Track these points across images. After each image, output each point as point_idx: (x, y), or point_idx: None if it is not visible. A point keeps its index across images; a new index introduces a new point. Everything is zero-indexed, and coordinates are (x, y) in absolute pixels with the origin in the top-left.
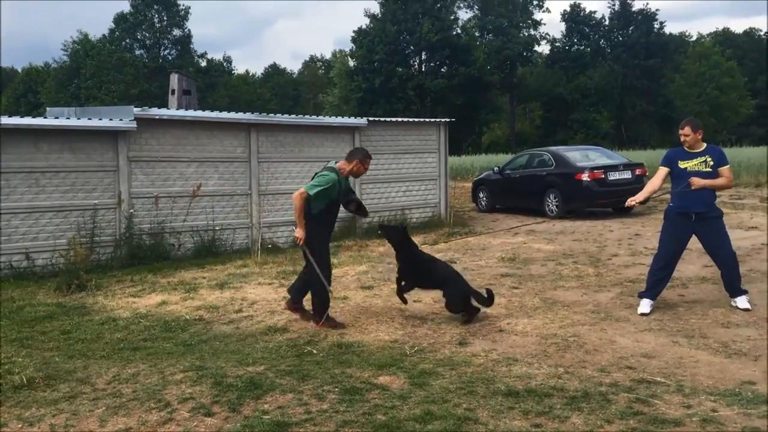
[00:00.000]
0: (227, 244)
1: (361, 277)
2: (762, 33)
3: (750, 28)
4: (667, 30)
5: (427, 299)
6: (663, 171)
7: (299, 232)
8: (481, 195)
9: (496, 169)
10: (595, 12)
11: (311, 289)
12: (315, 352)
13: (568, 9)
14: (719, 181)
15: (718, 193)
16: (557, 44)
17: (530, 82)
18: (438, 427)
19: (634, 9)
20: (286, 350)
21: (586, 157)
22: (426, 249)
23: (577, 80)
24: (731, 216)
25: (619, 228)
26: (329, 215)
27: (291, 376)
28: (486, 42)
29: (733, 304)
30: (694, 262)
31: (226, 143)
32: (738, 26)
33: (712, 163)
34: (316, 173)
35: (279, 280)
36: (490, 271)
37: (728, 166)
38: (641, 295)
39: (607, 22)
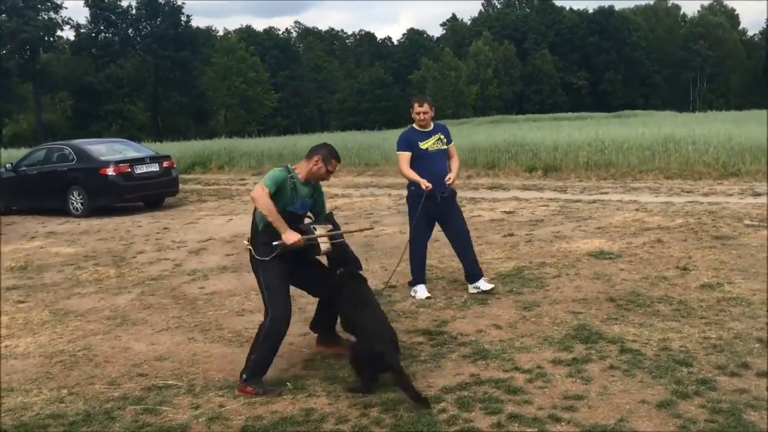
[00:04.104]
0: None
1: None
2: (280, 32)
3: (270, 27)
4: (194, 24)
5: None
6: (406, 155)
7: (289, 236)
8: None
9: (9, 166)
10: (121, 0)
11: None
12: None
13: None
14: (457, 163)
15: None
16: (83, 31)
17: (56, 69)
18: None
19: (160, 0)
20: None
21: (112, 150)
22: None
23: (108, 69)
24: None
25: (149, 223)
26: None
27: None
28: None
29: (474, 290)
30: (218, 251)
31: None
32: (260, 25)
33: (445, 140)
34: None
35: None
36: None
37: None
38: (413, 284)
39: (134, 12)
